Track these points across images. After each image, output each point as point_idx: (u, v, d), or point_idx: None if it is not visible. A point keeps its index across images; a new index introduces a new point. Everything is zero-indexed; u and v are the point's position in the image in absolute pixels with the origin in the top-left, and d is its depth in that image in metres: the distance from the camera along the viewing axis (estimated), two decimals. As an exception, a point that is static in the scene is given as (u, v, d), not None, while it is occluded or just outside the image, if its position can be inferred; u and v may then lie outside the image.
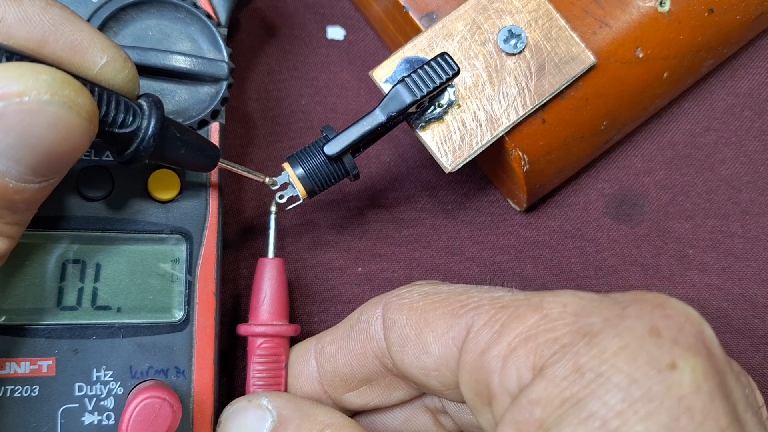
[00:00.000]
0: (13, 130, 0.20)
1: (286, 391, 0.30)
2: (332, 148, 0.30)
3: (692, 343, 0.21)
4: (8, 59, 0.21)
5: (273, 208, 0.31)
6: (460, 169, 0.31)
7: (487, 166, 0.37)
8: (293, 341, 0.31)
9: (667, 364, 0.20)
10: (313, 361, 0.30)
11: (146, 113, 0.25)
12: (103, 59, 0.24)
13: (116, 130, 0.24)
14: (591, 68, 0.33)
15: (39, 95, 0.20)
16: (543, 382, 0.21)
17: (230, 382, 0.34)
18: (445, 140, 0.31)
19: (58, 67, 0.22)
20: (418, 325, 0.26)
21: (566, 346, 0.22)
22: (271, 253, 0.31)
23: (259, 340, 0.30)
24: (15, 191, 0.22)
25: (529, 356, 0.22)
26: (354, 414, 0.31)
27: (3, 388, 0.27)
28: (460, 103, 0.32)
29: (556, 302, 0.23)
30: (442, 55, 0.30)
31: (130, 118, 0.24)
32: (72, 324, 0.28)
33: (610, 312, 0.22)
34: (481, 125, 0.32)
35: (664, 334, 0.21)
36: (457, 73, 0.30)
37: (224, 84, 0.30)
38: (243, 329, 0.30)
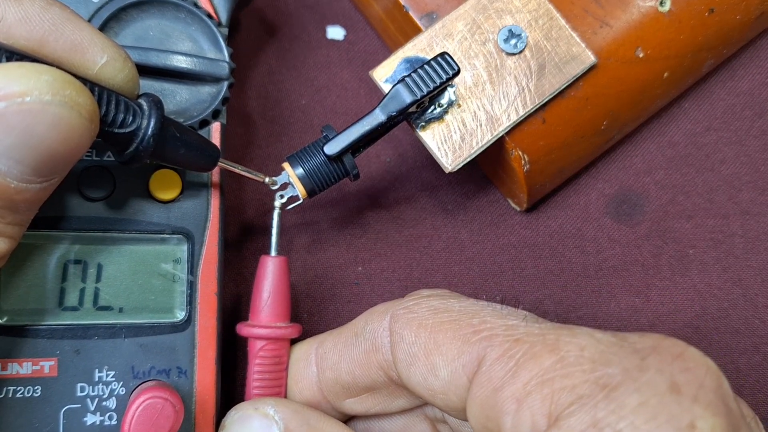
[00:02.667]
0: (15, 130, 0.20)
1: (285, 393, 0.30)
2: (332, 148, 0.30)
3: (712, 401, 0.21)
4: (8, 59, 0.21)
5: (277, 204, 0.31)
6: (460, 169, 0.31)
7: (488, 166, 0.37)
8: (293, 340, 0.31)
9: (686, 424, 0.20)
10: (314, 366, 0.30)
11: (146, 113, 0.25)
12: (103, 59, 0.24)
13: (116, 130, 0.24)
14: (591, 68, 0.33)
15: (40, 95, 0.20)
16: None
17: (230, 382, 0.34)
18: (445, 140, 0.31)
19: (58, 67, 0.22)
20: (427, 345, 0.26)
21: (584, 398, 0.21)
22: (273, 251, 0.31)
23: (261, 343, 0.30)
24: (16, 191, 0.22)
25: (545, 402, 0.22)
26: (352, 418, 0.31)
27: (5, 388, 0.27)
28: (461, 102, 0.32)
29: (573, 344, 0.23)
30: (443, 54, 0.30)
31: (130, 118, 0.24)
32: (74, 324, 0.28)
33: (629, 362, 0.22)
34: (481, 125, 0.32)
35: (684, 391, 0.21)
36: (458, 72, 0.30)
37: (225, 84, 0.30)
38: (246, 330, 0.30)
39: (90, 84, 0.23)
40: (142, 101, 0.25)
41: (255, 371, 0.30)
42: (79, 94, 0.21)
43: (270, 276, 0.30)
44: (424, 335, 0.26)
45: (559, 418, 0.21)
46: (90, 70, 0.24)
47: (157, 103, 0.25)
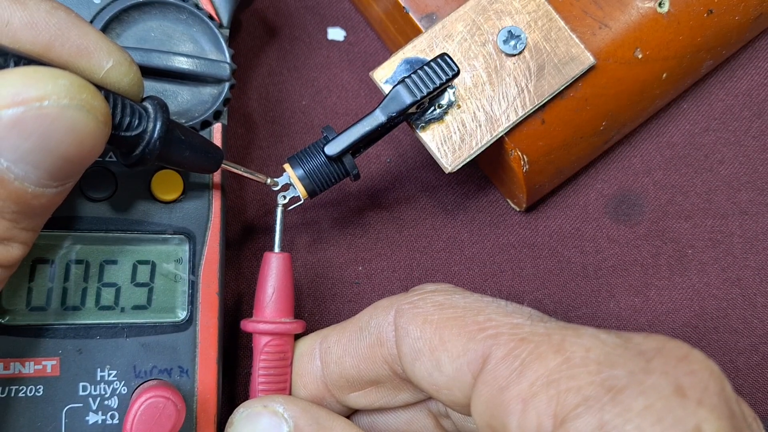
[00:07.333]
0: (33, 135, 0.20)
1: (290, 388, 0.30)
2: (333, 149, 0.30)
3: (716, 404, 0.21)
4: (16, 64, 0.21)
5: (280, 201, 0.31)
6: (460, 169, 0.32)
7: (487, 167, 0.37)
8: (297, 335, 0.31)
9: (692, 427, 0.20)
10: (318, 360, 0.30)
11: (152, 116, 0.25)
12: (109, 63, 0.24)
13: (122, 134, 0.24)
14: (590, 69, 0.33)
15: (58, 100, 0.20)
16: None
17: (232, 381, 0.34)
18: (445, 141, 0.32)
19: None
20: (432, 341, 0.26)
21: (590, 400, 0.21)
22: (277, 248, 0.31)
23: (266, 338, 0.30)
24: (33, 196, 0.21)
25: (551, 403, 0.22)
26: (356, 412, 0.32)
27: (8, 388, 0.27)
28: (460, 103, 0.32)
29: (578, 345, 0.23)
30: (442, 55, 0.30)
31: (136, 121, 0.24)
32: (76, 324, 0.28)
33: (635, 364, 0.22)
34: (480, 126, 0.32)
35: (689, 394, 0.21)
36: (457, 73, 0.30)
37: (226, 85, 0.30)
38: (251, 326, 0.30)
39: (97, 87, 0.23)
40: (147, 104, 0.25)
41: (260, 367, 0.30)
42: (94, 97, 0.21)
43: (274, 272, 0.30)
44: (429, 331, 0.26)
45: (565, 419, 0.21)
46: (96, 74, 0.24)
47: (162, 107, 0.25)
